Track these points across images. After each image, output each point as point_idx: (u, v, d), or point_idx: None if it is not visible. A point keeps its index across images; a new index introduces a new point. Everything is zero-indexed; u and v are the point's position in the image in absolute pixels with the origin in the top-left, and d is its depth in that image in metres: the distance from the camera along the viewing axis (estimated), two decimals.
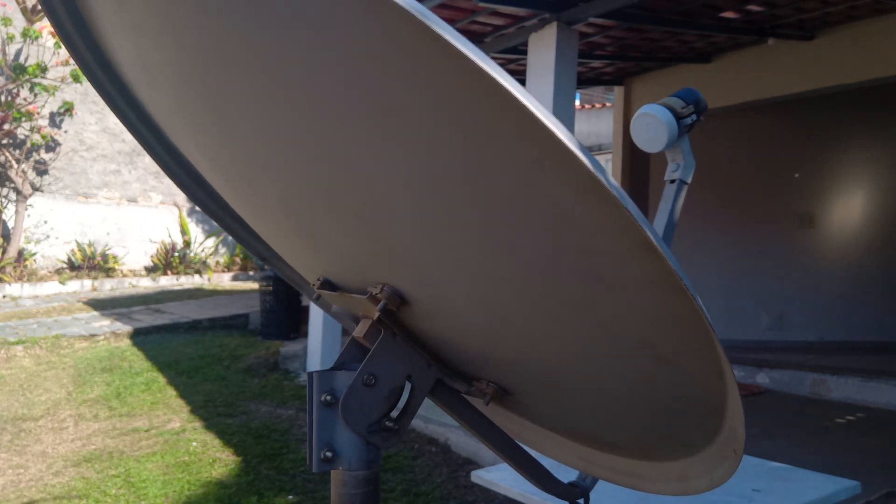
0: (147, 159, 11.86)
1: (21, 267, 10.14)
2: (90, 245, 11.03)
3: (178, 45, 0.69)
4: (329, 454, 0.78)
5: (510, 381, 0.86)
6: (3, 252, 9.98)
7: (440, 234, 0.68)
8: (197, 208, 12.53)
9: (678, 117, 1.02)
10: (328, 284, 0.92)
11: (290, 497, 3.94)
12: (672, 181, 1.11)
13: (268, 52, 0.60)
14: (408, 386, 0.82)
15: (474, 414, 0.90)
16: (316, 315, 6.42)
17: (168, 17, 0.66)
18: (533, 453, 0.99)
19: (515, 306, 0.71)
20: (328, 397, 0.78)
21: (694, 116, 1.03)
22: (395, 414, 0.80)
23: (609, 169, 9.45)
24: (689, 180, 1.11)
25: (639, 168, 7.73)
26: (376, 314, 0.78)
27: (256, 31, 0.59)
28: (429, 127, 0.56)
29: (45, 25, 10.06)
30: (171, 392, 5.98)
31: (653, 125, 1.01)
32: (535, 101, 0.47)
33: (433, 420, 4.91)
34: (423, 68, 0.51)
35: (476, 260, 0.68)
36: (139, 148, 10.12)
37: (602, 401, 0.83)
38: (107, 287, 10.70)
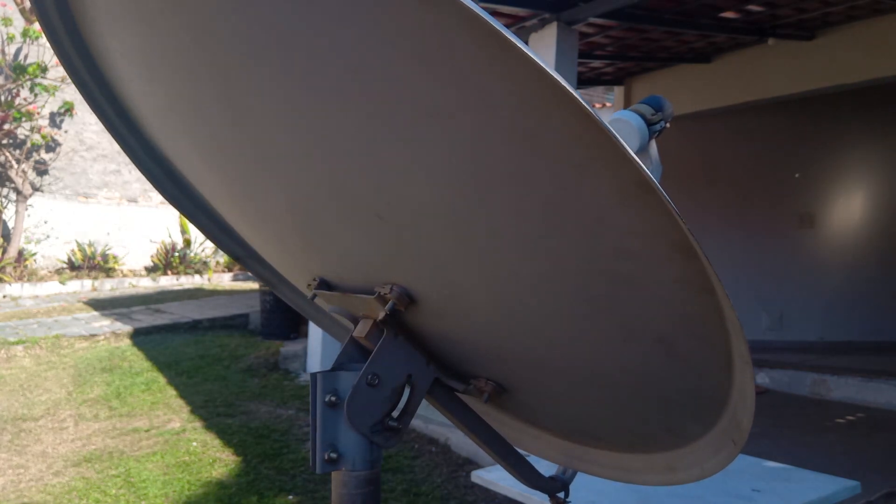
0: None
1: (21, 267, 10.14)
2: (90, 245, 11.03)
3: (200, 40, 0.68)
4: (333, 455, 0.78)
5: (511, 377, 0.87)
6: (4, 252, 9.98)
7: (472, 237, 0.67)
8: None
9: (648, 123, 1.05)
10: (324, 284, 0.92)
11: (291, 497, 3.94)
12: None
13: (306, 49, 0.59)
14: (409, 385, 0.82)
15: (464, 410, 0.91)
16: None
17: (194, 13, 0.65)
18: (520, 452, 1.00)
19: (537, 306, 0.71)
20: (332, 398, 0.78)
21: (662, 123, 1.07)
22: (396, 413, 0.80)
23: None
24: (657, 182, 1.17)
25: None
26: (382, 314, 0.78)
27: (292, 27, 0.58)
28: (475, 129, 0.56)
29: None
30: (172, 392, 5.98)
31: (625, 130, 1.05)
32: (589, 104, 0.47)
33: (433, 420, 4.91)
34: (474, 70, 0.51)
35: (506, 262, 0.68)
36: None
37: (603, 393, 0.83)
38: (107, 287, 10.70)
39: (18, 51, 10.34)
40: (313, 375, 0.79)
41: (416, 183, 0.66)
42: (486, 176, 0.60)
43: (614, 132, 0.48)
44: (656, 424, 0.83)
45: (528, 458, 1.01)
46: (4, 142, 10.21)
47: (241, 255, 1.14)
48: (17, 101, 10.03)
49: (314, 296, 0.94)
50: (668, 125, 1.07)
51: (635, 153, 1.05)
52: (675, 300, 0.59)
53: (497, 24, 0.45)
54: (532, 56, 0.45)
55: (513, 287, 0.71)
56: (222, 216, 1.06)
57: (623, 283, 0.61)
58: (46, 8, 0.80)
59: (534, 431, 1.05)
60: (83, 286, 10.47)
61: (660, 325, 0.64)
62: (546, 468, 1.08)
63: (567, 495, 1.06)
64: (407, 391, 0.82)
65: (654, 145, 1.09)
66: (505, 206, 0.62)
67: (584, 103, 0.47)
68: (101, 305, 9.16)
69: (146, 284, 11.14)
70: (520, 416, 1.03)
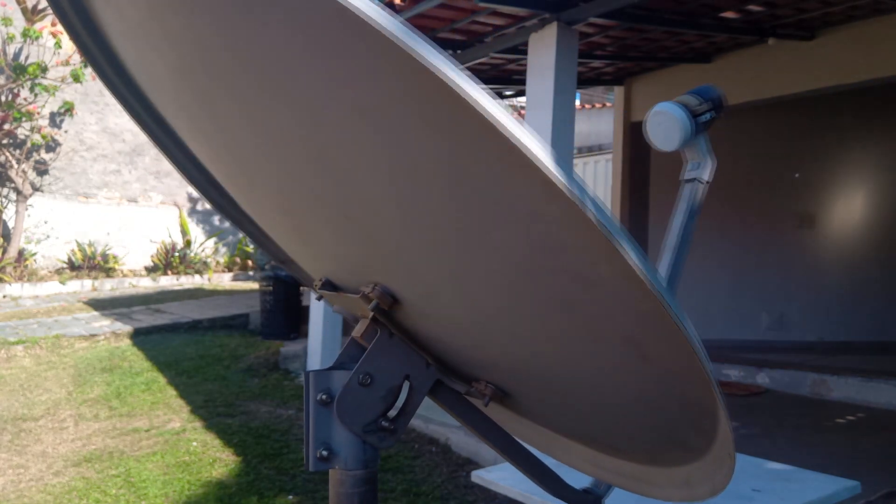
0: (147, 159, 11.86)
1: (21, 267, 10.14)
2: (90, 245, 11.03)
3: (172, 47, 0.69)
4: (325, 453, 0.78)
5: (507, 381, 0.86)
6: (4, 252, 9.98)
7: (423, 232, 0.68)
8: (197, 208, 12.54)
9: (693, 115, 0.99)
10: (329, 285, 0.93)
11: (291, 497, 3.94)
12: (689, 180, 1.09)
13: (251, 52, 0.61)
14: (407, 386, 0.82)
15: (476, 415, 0.89)
16: (316, 315, 6.42)
17: (161, 22, 0.67)
18: (547, 459, 0.97)
19: (499, 304, 0.71)
20: (324, 396, 0.78)
21: (711, 113, 1.00)
22: (394, 413, 0.80)
23: (609, 169, 9.45)
24: (709, 179, 1.09)
25: (639, 168, 7.73)
26: (370, 314, 0.78)
27: (235, 30, 0.59)
28: (395, 123, 0.56)
29: (45, 25, 10.07)
30: (172, 392, 5.98)
31: (666, 123, 0.99)
32: (507, 116, 0.46)
33: (433, 420, 4.91)
34: (401, 80, 0.51)
35: (459, 257, 0.68)
36: (139, 148, 10.05)
37: (596, 401, 0.82)
38: (107, 287, 10.70)
39: (19, 51, 10.34)
40: (306, 374, 0.79)
41: (363, 180, 0.67)
42: (416, 169, 0.60)
43: (516, 135, 0.46)
44: (660, 435, 0.81)
45: (547, 466, 0.96)
46: (4, 142, 10.21)
47: (283, 258, 1.14)
48: (17, 101, 10.03)
49: (320, 297, 0.95)
50: (718, 116, 1.00)
51: (679, 147, 1.01)
52: (629, 297, 0.56)
53: (393, 27, 0.46)
54: (427, 60, 0.46)
55: (474, 286, 0.71)
56: (255, 221, 1.06)
57: (573, 279, 0.60)
58: (78, 30, 0.81)
59: (563, 440, 1.02)
60: (83, 286, 10.47)
61: (623, 325, 0.62)
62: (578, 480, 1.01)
63: None
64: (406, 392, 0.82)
65: (703, 138, 1.03)
66: (440, 199, 0.62)
67: (472, 98, 0.46)
68: (102, 305, 9.16)
69: (146, 284, 11.14)
70: (536, 420, 1.00)
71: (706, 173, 1.08)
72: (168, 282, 11.42)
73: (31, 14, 10.05)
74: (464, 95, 0.46)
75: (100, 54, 0.84)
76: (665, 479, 0.88)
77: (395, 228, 0.71)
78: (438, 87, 0.47)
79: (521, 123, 0.47)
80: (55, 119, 10.84)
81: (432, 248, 0.69)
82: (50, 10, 9.46)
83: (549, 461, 0.96)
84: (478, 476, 2.38)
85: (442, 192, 0.61)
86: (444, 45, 5.21)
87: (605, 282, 0.57)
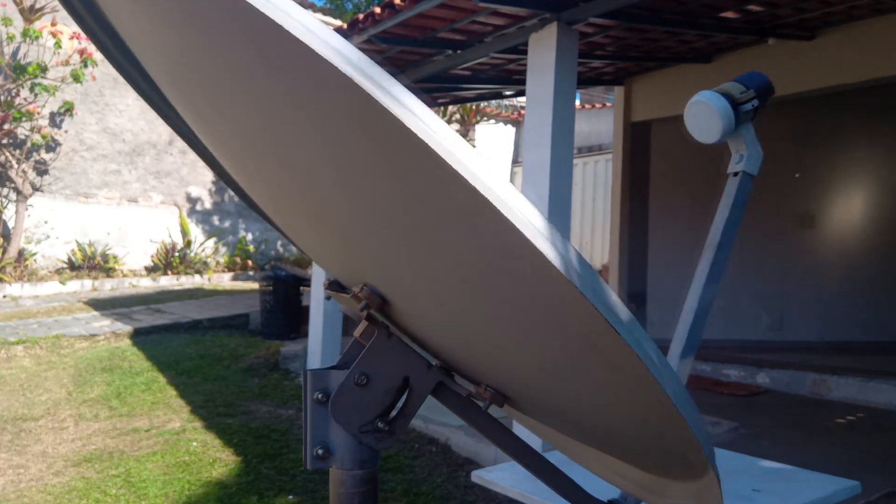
0: (147, 159, 11.86)
1: (21, 267, 10.14)
2: (90, 245, 11.04)
3: (158, 52, 0.70)
4: (321, 452, 0.78)
5: (501, 384, 0.84)
6: (4, 252, 9.98)
7: (377, 228, 0.68)
8: (197, 208, 12.54)
9: (736, 104, 0.93)
10: (336, 285, 0.93)
11: (291, 497, 3.94)
12: (735, 174, 1.04)
13: (210, 66, 0.62)
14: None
15: (486, 419, 0.86)
16: (316, 315, 6.42)
17: (142, 31, 0.68)
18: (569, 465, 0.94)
19: (464, 305, 0.70)
20: (320, 395, 0.78)
21: (755, 102, 0.94)
22: (395, 414, 0.80)
23: (609, 169, 9.45)
24: (756, 172, 1.03)
25: (639, 168, 7.73)
26: (363, 313, 0.78)
27: (198, 42, 0.60)
28: (323, 118, 0.56)
29: (44, 25, 10.06)
30: (172, 392, 5.98)
31: (705, 114, 0.93)
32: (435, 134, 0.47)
33: (433, 420, 4.91)
34: (304, 63, 0.51)
35: (412, 254, 0.68)
36: (139, 148, 10.02)
37: (584, 410, 0.80)
38: (107, 287, 10.70)
39: (17, 50, 10.33)
40: (305, 373, 0.79)
41: (315, 175, 0.66)
42: (349, 164, 0.60)
43: (423, 138, 0.47)
44: (655, 445, 0.79)
45: (564, 473, 0.91)
46: (4, 142, 10.21)
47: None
48: (17, 101, 10.03)
49: (329, 296, 0.95)
50: (764, 104, 0.93)
51: (720, 139, 0.96)
52: (578, 296, 0.53)
53: (298, 27, 0.46)
54: (336, 63, 0.46)
55: (437, 286, 0.70)
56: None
57: (523, 280, 0.58)
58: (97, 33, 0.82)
59: (578, 444, 0.99)
60: (83, 286, 10.47)
61: (580, 328, 0.58)
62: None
63: None
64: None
65: (747, 129, 0.95)
66: (378, 195, 0.61)
67: (375, 97, 0.47)
68: (102, 305, 9.16)
69: (146, 284, 11.14)
70: (550, 426, 0.98)
71: (753, 166, 1.02)
72: (168, 282, 11.42)
73: (29, 13, 10.05)
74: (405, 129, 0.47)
75: (120, 56, 0.85)
76: (680, 493, 0.85)
77: (360, 227, 0.71)
78: (377, 113, 0.47)
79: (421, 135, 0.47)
80: (55, 119, 10.84)
81: (391, 245, 0.69)
82: (48, 10, 9.40)
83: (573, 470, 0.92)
84: (478, 476, 2.38)
85: (376, 189, 0.61)
86: (444, 44, 5.21)
87: (543, 281, 0.54)
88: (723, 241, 1.04)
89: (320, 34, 0.47)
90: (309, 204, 0.74)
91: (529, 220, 0.49)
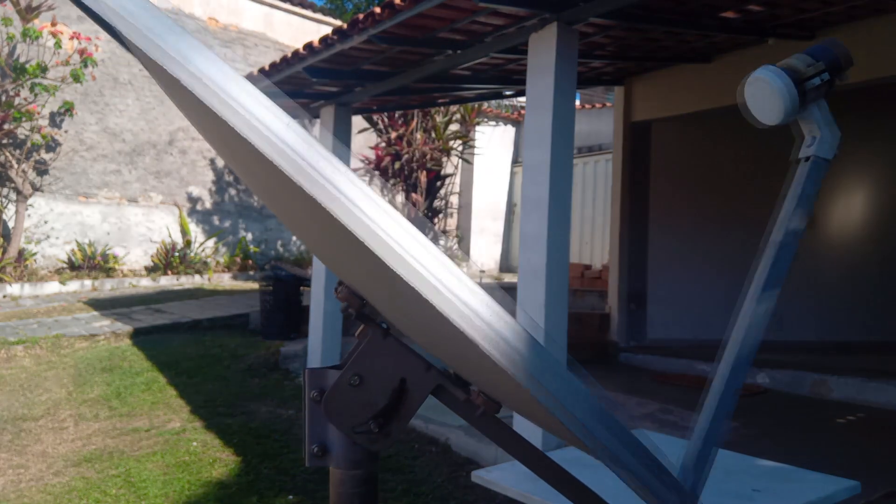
0: (147, 159, 11.86)
1: (21, 267, 10.14)
2: (90, 245, 11.04)
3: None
4: (317, 449, 0.78)
5: (492, 390, 0.83)
6: (4, 252, 9.98)
7: (304, 224, 0.70)
8: (197, 208, 12.53)
9: (801, 79, 0.78)
10: (342, 285, 0.93)
11: (291, 497, 3.94)
12: (806, 159, 0.90)
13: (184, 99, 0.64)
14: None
15: (491, 424, 0.83)
16: (316, 315, 6.42)
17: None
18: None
19: (418, 322, 0.69)
20: (315, 394, 0.78)
21: (825, 75, 0.78)
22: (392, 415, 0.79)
23: (609, 169, 9.44)
24: (831, 156, 0.89)
25: (639, 168, 7.73)
26: (346, 312, 0.78)
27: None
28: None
29: (44, 25, 10.06)
30: (172, 392, 5.98)
31: (764, 93, 0.78)
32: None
33: (433, 420, 4.91)
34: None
35: (345, 258, 0.68)
36: (139, 148, 10.05)
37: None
38: (107, 287, 10.70)
39: (14, 49, 10.33)
40: (304, 371, 0.80)
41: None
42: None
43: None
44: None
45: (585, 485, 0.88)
46: (4, 142, 10.21)
47: None
48: (17, 101, 10.03)
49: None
50: (837, 78, 0.75)
51: (784, 120, 0.81)
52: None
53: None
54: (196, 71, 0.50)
55: (371, 283, 0.70)
56: None
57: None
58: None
59: None
60: (83, 286, 10.47)
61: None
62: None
63: None
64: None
65: (818, 107, 0.78)
66: (293, 193, 0.61)
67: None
68: (102, 305, 9.16)
69: (146, 284, 11.14)
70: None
71: (828, 149, 0.84)
72: (168, 282, 11.42)
73: (26, 12, 10.04)
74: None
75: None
76: None
77: (312, 231, 0.71)
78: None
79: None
80: (55, 119, 10.84)
81: (325, 242, 0.70)
82: (45, 8, 9.35)
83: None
84: (478, 476, 2.38)
85: (289, 186, 0.62)
86: (444, 44, 5.21)
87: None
88: (787, 239, 0.84)
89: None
90: (283, 205, 0.76)
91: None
